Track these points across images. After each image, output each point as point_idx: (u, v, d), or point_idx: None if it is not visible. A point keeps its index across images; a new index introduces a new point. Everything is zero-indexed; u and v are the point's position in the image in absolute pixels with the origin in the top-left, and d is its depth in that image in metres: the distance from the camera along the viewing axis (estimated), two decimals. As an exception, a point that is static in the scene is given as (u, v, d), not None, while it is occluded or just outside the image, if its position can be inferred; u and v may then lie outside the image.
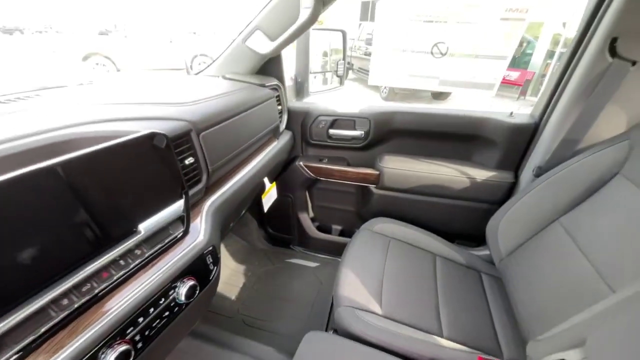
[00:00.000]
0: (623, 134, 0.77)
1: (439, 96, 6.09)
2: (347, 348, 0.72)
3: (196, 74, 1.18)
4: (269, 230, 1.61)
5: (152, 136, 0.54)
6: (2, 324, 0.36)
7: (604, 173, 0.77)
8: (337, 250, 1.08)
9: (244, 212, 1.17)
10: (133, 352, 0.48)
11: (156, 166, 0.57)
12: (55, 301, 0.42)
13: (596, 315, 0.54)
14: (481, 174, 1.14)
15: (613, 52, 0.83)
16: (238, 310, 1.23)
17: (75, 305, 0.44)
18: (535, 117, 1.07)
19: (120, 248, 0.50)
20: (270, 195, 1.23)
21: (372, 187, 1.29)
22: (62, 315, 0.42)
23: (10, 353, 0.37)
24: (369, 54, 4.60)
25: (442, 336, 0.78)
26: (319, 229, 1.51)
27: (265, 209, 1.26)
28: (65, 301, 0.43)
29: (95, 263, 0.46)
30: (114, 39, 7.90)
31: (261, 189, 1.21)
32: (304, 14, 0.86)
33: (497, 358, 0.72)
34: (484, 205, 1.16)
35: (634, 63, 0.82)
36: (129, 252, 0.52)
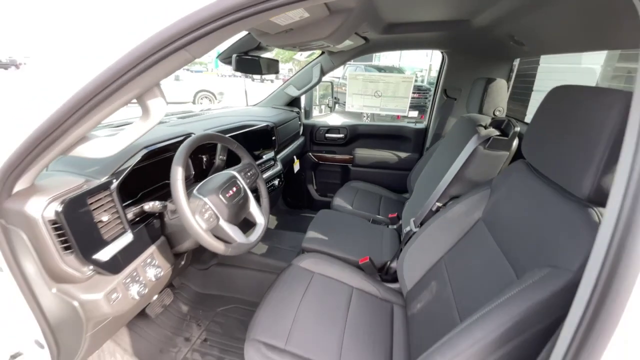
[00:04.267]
0: (449, 130, 1.84)
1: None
2: (341, 216, 1.70)
3: (255, 105, 2.24)
4: (288, 199, 2.59)
5: (267, 125, 1.59)
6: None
7: (444, 143, 1.83)
8: None
9: (285, 169, 2.12)
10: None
11: (268, 136, 1.61)
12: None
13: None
14: (404, 155, 2.21)
15: (446, 94, 1.96)
16: (273, 239, 2.19)
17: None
18: (425, 124, 2.17)
19: (260, 161, 1.52)
20: (297, 166, 2.24)
21: (349, 165, 2.33)
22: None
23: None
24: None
25: (378, 214, 1.77)
26: (320, 195, 2.51)
27: (295, 170, 2.23)
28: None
29: (259, 162, 1.48)
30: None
31: (292, 161, 2.20)
32: (314, 80, 1.95)
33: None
34: (407, 171, 2.20)
35: (455, 99, 1.94)
36: (261, 164, 1.54)
